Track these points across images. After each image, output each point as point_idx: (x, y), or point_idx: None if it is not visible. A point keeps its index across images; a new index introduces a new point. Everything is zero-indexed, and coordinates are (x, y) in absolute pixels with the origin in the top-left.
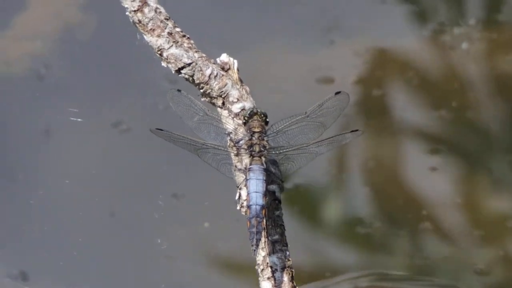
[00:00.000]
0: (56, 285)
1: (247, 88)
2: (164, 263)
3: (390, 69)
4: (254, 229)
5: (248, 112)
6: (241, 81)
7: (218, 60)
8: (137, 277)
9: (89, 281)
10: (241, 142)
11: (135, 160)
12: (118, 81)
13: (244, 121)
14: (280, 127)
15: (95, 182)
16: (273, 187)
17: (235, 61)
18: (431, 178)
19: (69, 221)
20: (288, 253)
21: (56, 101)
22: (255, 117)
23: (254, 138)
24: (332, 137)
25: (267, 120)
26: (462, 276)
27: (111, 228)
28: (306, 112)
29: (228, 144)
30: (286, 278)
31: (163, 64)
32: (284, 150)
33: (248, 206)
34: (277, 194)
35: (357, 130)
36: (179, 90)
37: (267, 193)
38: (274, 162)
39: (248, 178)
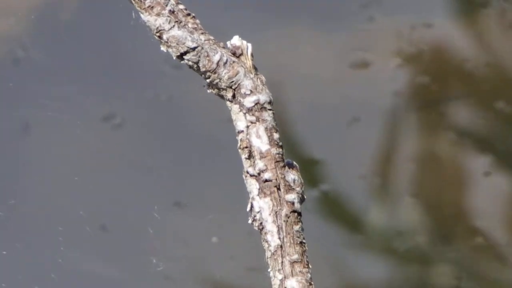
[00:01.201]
0: None
1: (263, 78)
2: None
3: (439, 52)
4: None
5: None
6: (255, 69)
7: (228, 43)
8: None
9: None
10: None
11: (130, 161)
12: (108, 67)
13: None
14: None
15: (82, 187)
16: (291, 196)
17: (249, 45)
18: (485, 184)
19: (47, 236)
20: (309, 275)
21: (36, 90)
22: None
23: None
24: None
25: None
26: None
27: (102, 245)
28: None
29: (239, 145)
30: None
31: (163, 48)
32: None
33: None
34: (296, 205)
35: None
36: None
37: (286, 204)
38: (295, 174)
39: None
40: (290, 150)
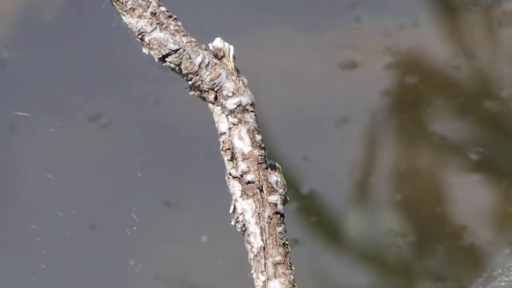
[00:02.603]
0: None
1: (245, 80)
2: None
3: (427, 51)
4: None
5: None
6: (237, 71)
7: (210, 46)
8: None
9: None
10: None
11: (118, 160)
12: (93, 67)
13: None
14: None
15: (70, 187)
16: (274, 198)
17: (231, 47)
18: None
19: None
20: (292, 277)
21: (21, 91)
22: None
23: None
24: None
25: None
26: None
27: (92, 244)
28: None
29: (221, 147)
30: None
31: (145, 50)
32: None
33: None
34: (279, 206)
35: None
36: None
37: (268, 205)
38: (277, 176)
39: None
40: (274, 151)
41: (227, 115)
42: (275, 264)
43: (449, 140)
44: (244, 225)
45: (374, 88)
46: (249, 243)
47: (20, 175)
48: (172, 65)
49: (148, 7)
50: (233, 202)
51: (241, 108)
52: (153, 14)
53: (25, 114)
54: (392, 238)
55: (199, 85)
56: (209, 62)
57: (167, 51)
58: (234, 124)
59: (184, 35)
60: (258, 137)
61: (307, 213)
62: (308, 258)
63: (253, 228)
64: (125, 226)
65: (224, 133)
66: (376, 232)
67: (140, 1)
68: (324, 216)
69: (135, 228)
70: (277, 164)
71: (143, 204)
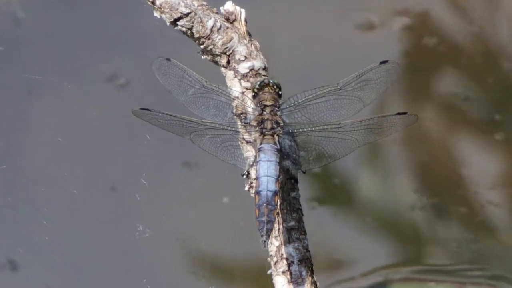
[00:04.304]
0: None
1: (257, 44)
2: (146, 251)
3: (448, 9)
4: (264, 218)
5: (258, 83)
6: (249, 35)
7: (222, 9)
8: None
9: (79, 272)
10: (250, 117)
11: (137, 120)
12: (110, 29)
13: (253, 93)
14: (300, 100)
15: (89, 147)
16: (287, 163)
17: (243, 10)
18: (488, 154)
19: (34, 197)
20: (307, 242)
21: (37, 53)
22: (266, 89)
23: (265, 113)
24: (370, 118)
25: (280, 92)
26: None
27: (112, 204)
28: (338, 84)
29: (234, 111)
30: (304, 272)
31: (156, 14)
32: (306, 129)
33: (258, 192)
34: (293, 171)
35: (405, 113)
36: (168, 59)
37: (281, 172)
38: (291, 140)
39: (258, 159)
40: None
41: (239, 79)
42: (289, 229)
43: (471, 100)
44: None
45: (391, 49)
46: None
47: (40, 135)
48: (183, 29)
49: None
50: (246, 167)
51: (254, 72)
52: None
53: (38, 77)
54: (414, 200)
55: (211, 49)
56: (220, 26)
57: (179, 15)
58: (247, 88)
59: None
60: None
61: (313, 180)
62: (320, 225)
63: None
64: (138, 188)
65: (237, 97)
66: (398, 194)
67: None
68: (342, 179)
69: (147, 184)
70: (290, 129)
71: (162, 164)
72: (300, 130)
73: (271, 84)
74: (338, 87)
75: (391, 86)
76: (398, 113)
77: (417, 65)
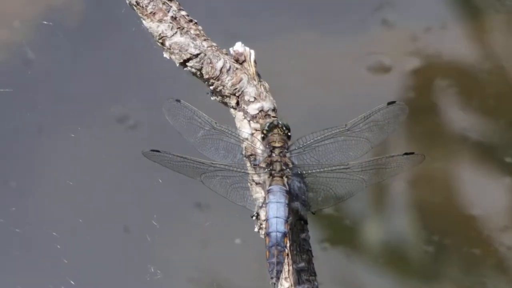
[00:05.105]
0: None
1: (266, 85)
2: None
3: (455, 54)
4: (274, 260)
5: (267, 125)
6: (259, 76)
7: (231, 50)
8: None
9: None
10: (259, 159)
11: (146, 161)
12: (120, 70)
13: (262, 135)
14: (308, 142)
15: (98, 188)
16: (296, 204)
17: (252, 51)
18: (488, 193)
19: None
20: (316, 284)
21: (46, 95)
22: (275, 130)
23: (274, 154)
24: (378, 158)
25: (290, 134)
26: None
27: (125, 246)
28: (346, 125)
29: (243, 152)
30: None
31: (165, 55)
32: (314, 170)
33: (267, 234)
34: (302, 213)
35: (412, 153)
36: (178, 100)
37: (291, 214)
38: (300, 182)
39: (267, 201)
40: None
41: (249, 121)
42: (299, 271)
43: (484, 144)
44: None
45: (404, 90)
46: None
47: (43, 180)
48: (193, 70)
49: (169, 11)
50: (256, 209)
51: (263, 114)
52: (174, 18)
53: (47, 118)
54: (428, 240)
55: (220, 90)
56: (230, 67)
57: (188, 56)
58: (256, 130)
59: (205, 40)
60: None
61: (322, 223)
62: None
63: None
64: (151, 230)
65: (247, 138)
66: (410, 235)
67: (161, 5)
68: (354, 220)
69: (157, 228)
70: (299, 170)
71: (175, 206)
72: (309, 171)
73: (280, 126)
74: (346, 128)
75: (398, 127)
76: (406, 153)
77: (427, 106)
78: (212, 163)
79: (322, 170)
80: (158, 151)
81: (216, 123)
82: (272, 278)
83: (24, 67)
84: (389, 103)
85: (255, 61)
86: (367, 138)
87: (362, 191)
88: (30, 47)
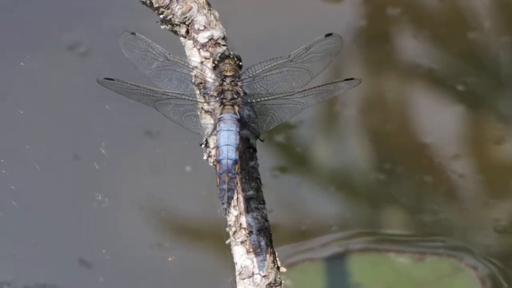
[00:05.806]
0: None
1: (216, 14)
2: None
3: None
4: (225, 186)
5: (218, 55)
6: (209, 4)
7: None
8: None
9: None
10: (210, 87)
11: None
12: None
13: (214, 65)
14: (257, 71)
15: (48, 116)
16: (246, 132)
17: None
18: (440, 120)
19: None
20: (265, 212)
21: None
22: (226, 60)
23: (225, 83)
24: (321, 85)
25: (241, 64)
26: (473, 236)
27: (73, 174)
28: (289, 56)
29: (193, 80)
30: (263, 241)
31: None
32: (263, 99)
33: (218, 161)
34: (252, 141)
35: (352, 79)
36: (133, 33)
37: (241, 142)
38: (249, 110)
39: (218, 129)
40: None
41: (199, 49)
42: (248, 199)
43: (436, 72)
44: (216, 159)
45: (355, 19)
46: None
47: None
48: None
49: None
50: (205, 136)
51: (213, 42)
52: None
53: None
54: (379, 167)
55: (170, 18)
56: None
57: None
58: (206, 58)
59: None
60: None
61: (270, 148)
62: (278, 192)
63: None
64: (99, 157)
65: (196, 67)
66: (361, 162)
67: None
68: (304, 147)
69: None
70: (249, 99)
71: (125, 134)
72: (259, 100)
73: (231, 56)
74: (290, 59)
75: (335, 58)
76: (346, 79)
77: (379, 34)
78: (165, 92)
79: (271, 98)
80: (112, 79)
81: (169, 54)
82: (223, 203)
83: None
84: (327, 35)
85: None
86: (307, 69)
87: (299, 112)
88: None
